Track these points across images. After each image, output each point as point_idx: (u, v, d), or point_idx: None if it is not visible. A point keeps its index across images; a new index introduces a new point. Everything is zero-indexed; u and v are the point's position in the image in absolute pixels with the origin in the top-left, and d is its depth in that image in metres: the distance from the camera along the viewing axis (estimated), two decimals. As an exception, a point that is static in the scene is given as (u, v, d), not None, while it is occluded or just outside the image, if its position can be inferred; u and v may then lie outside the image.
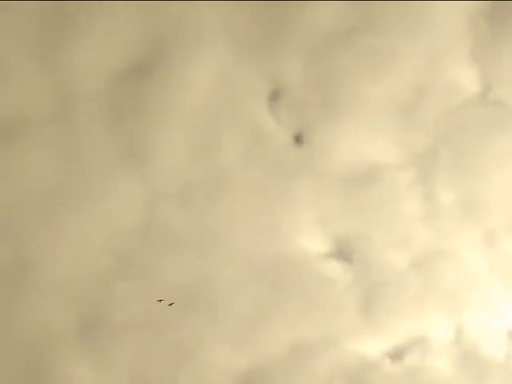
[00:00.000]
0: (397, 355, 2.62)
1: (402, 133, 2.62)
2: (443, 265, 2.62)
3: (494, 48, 2.68)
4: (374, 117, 2.62)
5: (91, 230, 2.24)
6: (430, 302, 2.60)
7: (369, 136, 2.61)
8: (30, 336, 2.10)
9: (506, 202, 2.67)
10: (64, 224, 2.21)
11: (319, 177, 2.65)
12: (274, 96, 2.47)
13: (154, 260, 2.33)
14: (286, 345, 2.52)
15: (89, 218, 2.23)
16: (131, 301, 2.28)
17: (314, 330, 2.56)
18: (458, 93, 2.67)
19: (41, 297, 2.17)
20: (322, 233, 2.60)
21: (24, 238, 2.12)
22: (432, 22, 2.62)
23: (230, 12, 2.51)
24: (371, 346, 2.58)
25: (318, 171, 2.64)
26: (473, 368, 2.63)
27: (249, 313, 2.49)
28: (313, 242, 2.60)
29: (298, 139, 2.52)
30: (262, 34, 2.48)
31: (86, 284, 2.23)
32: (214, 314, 2.46)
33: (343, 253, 2.62)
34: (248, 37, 2.50)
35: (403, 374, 2.62)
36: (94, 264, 2.26)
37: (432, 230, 2.60)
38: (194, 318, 2.40)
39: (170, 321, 2.35)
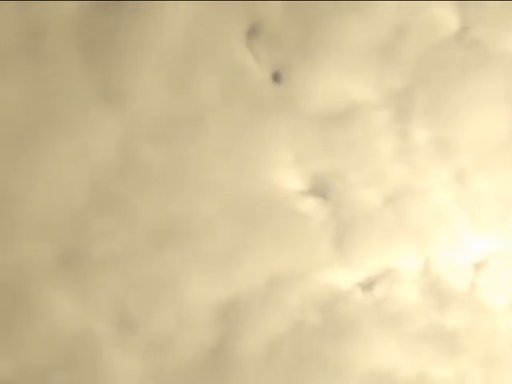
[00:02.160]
0: (367, 286, 2.59)
1: (380, 72, 2.49)
2: (414, 202, 2.55)
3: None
4: (352, 56, 2.47)
5: (66, 166, 2.07)
6: (400, 237, 2.55)
7: (347, 75, 2.47)
8: (10, 271, 1.99)
9: (477, 143, 2.59)
10: (38, 160, 2.05)
11: (296, 115, 2.52)
12: (252, 33, 2.29)
13: (131, 196, 2.19)
14: (261, 278, 2.46)
15: (63, 154, 2.06)
16: (109, 235, 2.16)
17: (288, 264, 2.51)
18: (436, 32, 2.53)
19: (18, 231, 2.04)
20: (298, 170, 2.49)
21: (-3, 174, 1.98)
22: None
23: None
24: (343, 278, 2.54)
25: (295, 110, 2.50)
26: (438, 297, 2.63)
27: (225, 248, 2.41)
28: (289, 180, 2.50)
29: (276, 77, 2.36)
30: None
31: (64, 218, 2.10)
32: (191, 249, 2.37)
33: (318, 190, 2.53)
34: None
35: (373, 303, 2.61)
36: (70, 199, 2.12)
37: (405, 168, 2.52)
38: (171, 252, 2.29)
39: (148, 255, 2.24)
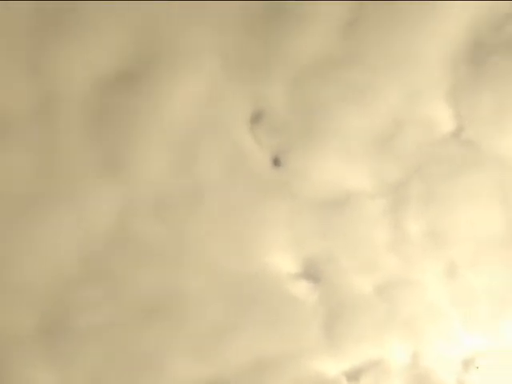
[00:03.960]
0: (354, 376, 2.44)
1: (377, 163, 2.46)
2: (405, 292, 2.44)
3: (470, 91, 2.54)
4: (350, 146, 2.45)
5: (63, 234, 1.98)
6: (390, 328, 2.42)
7: (345, 164, 2.44)
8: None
9: (469, 238, 2.52)
10: (34, 227, 1.96)
11: (294, 199, 2.47)
12: (256, 118, 2.28)
13: (124, 268, 2.09)
14: (249, 359, 2.32)
15: (61, 222, 1.99)
16: (96, 307, 2.03)
17: (277, 347, 2.37)
18: (433, 130, 2.52)
19: (3, 299, 1.91)
20: (293, 253, 2.41)
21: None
22: (414, 61, 2.47)
23: (222, 35, 2.33)
24: (330, 365, 2.39)
25: (293, 194, 2.46)
26: (425, 392, 2.47)
27: (215, 326, 2.28)
28: (283, 262, 2.42)
29: (276, 162, 2.34)
30: (250, 58, 2.29)
31: (52, 287, 1.97)
32: (180, 325, 2.24)
33: (311, 274, 2.44)
34: (237, 59, 2.30)
35: (358, 394, 2.45)
36: (61, 267, 2.01)
37: (397, 258, 2.44)
38: (159, 327, 2.16)
39: (135, 329, 2.11)
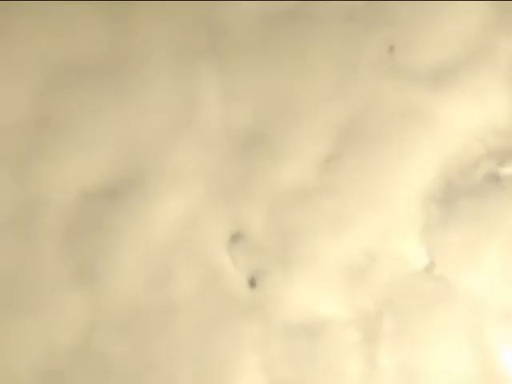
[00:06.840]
0: None
1: (351, 293, 2.34)
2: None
3: (440, 229, 2.51)
4: (325, 274, 2.35)
5: (21, 346, 1.77)
6: None
7: (319, 291, 2.33)
8: None
9: (438, 376, 2.34)
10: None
11: (266, 322, 2.31)
12: (235, 240, 2.20)
13: (84, 385, 1.86)
14: None
15: (22, 333, 1.78)
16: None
17: None
18: (406, 264, 2.45)
19: None
20: (262, 378, 2.21)
21: None
22: (389, 199, 2.47)
23: (207, 159, 2.32)
24: None
25: (266, 317, 2.30)
26: None
27: None
28: (252, 387, 2.21)
29: (252, 283, 2.22)
30: (232, 183, 2.25)
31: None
32: None
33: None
34: (219, 183, 2.27)
35: None
36: (16, 382, 1.77)
37: (368, 389, 2.23)
38: None
39: None
